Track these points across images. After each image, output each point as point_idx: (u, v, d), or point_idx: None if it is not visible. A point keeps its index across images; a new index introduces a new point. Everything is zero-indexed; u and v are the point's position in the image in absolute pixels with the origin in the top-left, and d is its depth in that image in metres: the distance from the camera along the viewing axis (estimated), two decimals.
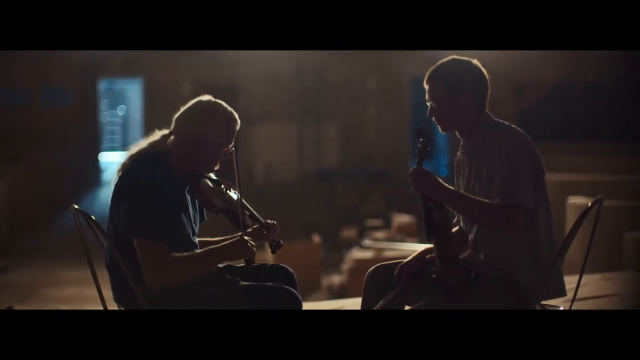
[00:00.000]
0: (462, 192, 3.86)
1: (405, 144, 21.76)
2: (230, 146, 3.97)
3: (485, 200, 3.71)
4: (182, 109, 3.97)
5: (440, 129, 3.97)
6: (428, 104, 3.95)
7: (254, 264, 4.00)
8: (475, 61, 3.95)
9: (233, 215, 4.09)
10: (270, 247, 4.26)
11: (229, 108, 3.97)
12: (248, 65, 20.90)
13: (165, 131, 3.99)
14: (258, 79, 21.45)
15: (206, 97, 3.98)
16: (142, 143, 3.96)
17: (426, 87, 3.94)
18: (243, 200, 4.11)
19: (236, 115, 3.98)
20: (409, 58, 20.54)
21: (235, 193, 4.11)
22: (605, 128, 19.59)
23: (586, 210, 3.88)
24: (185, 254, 3.75)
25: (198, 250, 3.85)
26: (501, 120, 3.93)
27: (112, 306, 3.96)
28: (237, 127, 3.98)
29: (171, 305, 3.72)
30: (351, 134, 21.82)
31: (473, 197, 3.76)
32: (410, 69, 21.34)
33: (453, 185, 3.87)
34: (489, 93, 3.94)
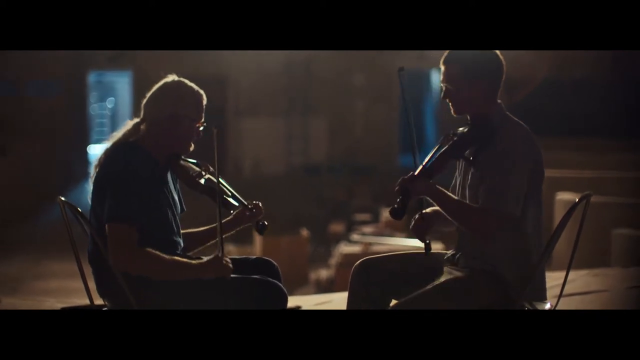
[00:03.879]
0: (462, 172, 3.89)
1: (393, 138, 21.77)
2: (201, 121, 3.99)
3: (473, 200, 3.77)
4: (149, 93, 4.02)
5: (452, 112, 3.96)
6: (442, 85, 3.95)
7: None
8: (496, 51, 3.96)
9: (216, 195, 4.08)
10: (257, 229, 4.26)
11: (194, 84, 4.03)
12: (236, 58, 20.86)
13: (137, 119, 4.01)
14: (246, 73, 21.41)
15: (170, 77, 4.05)
16: (116, 135, 3.99)
17: (442, 68, 3.93)
18: (224, 182, 4.11)
19: (202, 91, 4.03)
20: (398, 53, 20.50)
21: (214, 176, 4.10)
22: (594, 124, 19.61)
23: (574, 206, 3.88)
24: (157, 252, 3.72)
25: (170, 257, 3.79)
26: (511, 115, 3.92)
27: (98, 299, 3.95)
28: (205, 101, 4.02)
29: (155, 296, 3.72)
30: (339, 128, 21.81)
31: (460, 201, 3.81)
32: (399, 63, 21.28)
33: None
34: (502, 83, 3.94)
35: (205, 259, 3.86)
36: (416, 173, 3.77)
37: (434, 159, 3.80)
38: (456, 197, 3.84)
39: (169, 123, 3.93)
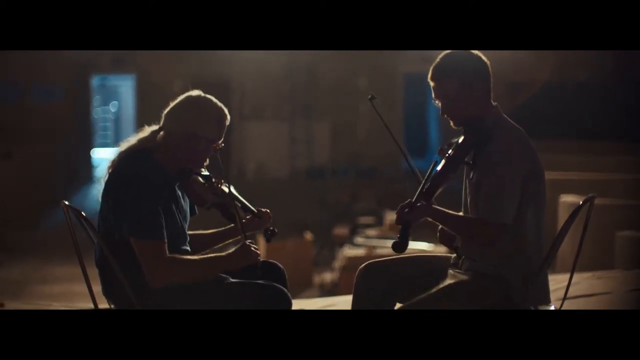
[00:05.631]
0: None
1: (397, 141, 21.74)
2: (220, 142, 3.95)
3: (473, 205, 3.81)
4: (172, 105, 3.95)
5: (452, 124, 3.95)
6: (436, 102, 3.93)
7: (260, 268, 3.96)
8: (475, 52, 3.93)
9: (225, 209, 4.08)
10: (265, 235, 4.26)
11: (219, 103, 3.95)
12: (240, 62, 20.88)
13: (155, 127, 3.96)
14: (250, 76, 21.43)
15: (195, 92, 3.96)
16: (132, 140, 3.94)
17: (434, 84, 3.91)
18: (234, 193, 4.11)
19: (226, 110, 3.96)
20: (401, 56, 20.55)
21: (225, 186, 4.10)
22: (597, 126, 19.60)
23: (577, 209, 3.88)
24: (186, 256, 3.75)
25: (200, 256, 3.83)
26: (506, 117, 3.91)
27: (103, 303, 3.95)
28: (227, 122, 3.97)
29: (161, 302, 3.71)
30: (343, 132, 21.82)
31: (457, 216, 3.84)
32: (402, 66, 21.36)
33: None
34: (492, 83, 3.93)
35: (232, 250, 3.88)
36: (413, 200, 3.76)
37: (431, 179, 3.80)
38: (454, 213, 3.87)
39: (186, 140, 3.88)
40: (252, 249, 3.85)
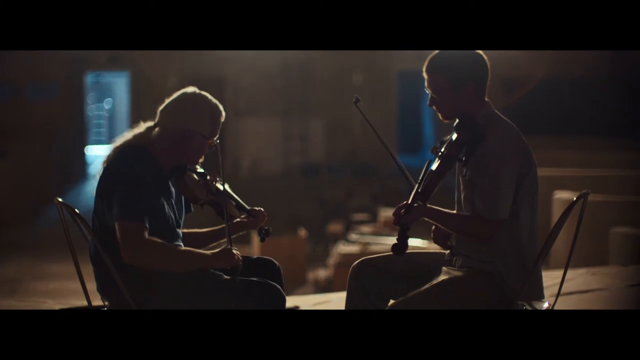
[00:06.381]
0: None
1: (391, 138, 21.78)
2: (215, 138, 3.96)
3: (467, 201, 3.82)
4: (167, 101, 3.96)
5: (440, 117, 3.96)
6: (427, 92, 3.93)
7: (239, 274, 3.90)
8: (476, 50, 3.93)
9: (219, 207, 4.08)
10: (259, 235, 4.26)
11: (214, 100, 3.96)
12: (235, 59, 20.87)
13: (150, 123, 3.97)
14: (245, 73, 21.42)
15: (191, 89, 3.97)
16: (127, 135, 3.95)
17: (426, 76, 3.91)
18: (229, 190, 4.10)
19: (221, 107, 3.97)
20: (396, 53, 20.54)
21: (220, 184, 4.10)
22: (591, 123, 19.63)
23: (571, 205, 3.88)
24: (167, 243, 3.73)
25: (183, 247, 3.83)
26: (499, 113, 3.90)
27: (96, 300, 3.94)
28: (222, 119, 3.97)
29: (154, 298, 3.71)
30: (337, 129, 21.82)
31: (453, 214, 3.86)
32: (397, 63, 21.35)
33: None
34: (489, 82, 3.92)
35: (216, 250, 3.85)
36: (410, 201, 3.76)
37: (426, 178, 3.80)
38: (450, 211, 3.88)
39: (180, 136, 3.89)
40: (235, 253, 3.81)
